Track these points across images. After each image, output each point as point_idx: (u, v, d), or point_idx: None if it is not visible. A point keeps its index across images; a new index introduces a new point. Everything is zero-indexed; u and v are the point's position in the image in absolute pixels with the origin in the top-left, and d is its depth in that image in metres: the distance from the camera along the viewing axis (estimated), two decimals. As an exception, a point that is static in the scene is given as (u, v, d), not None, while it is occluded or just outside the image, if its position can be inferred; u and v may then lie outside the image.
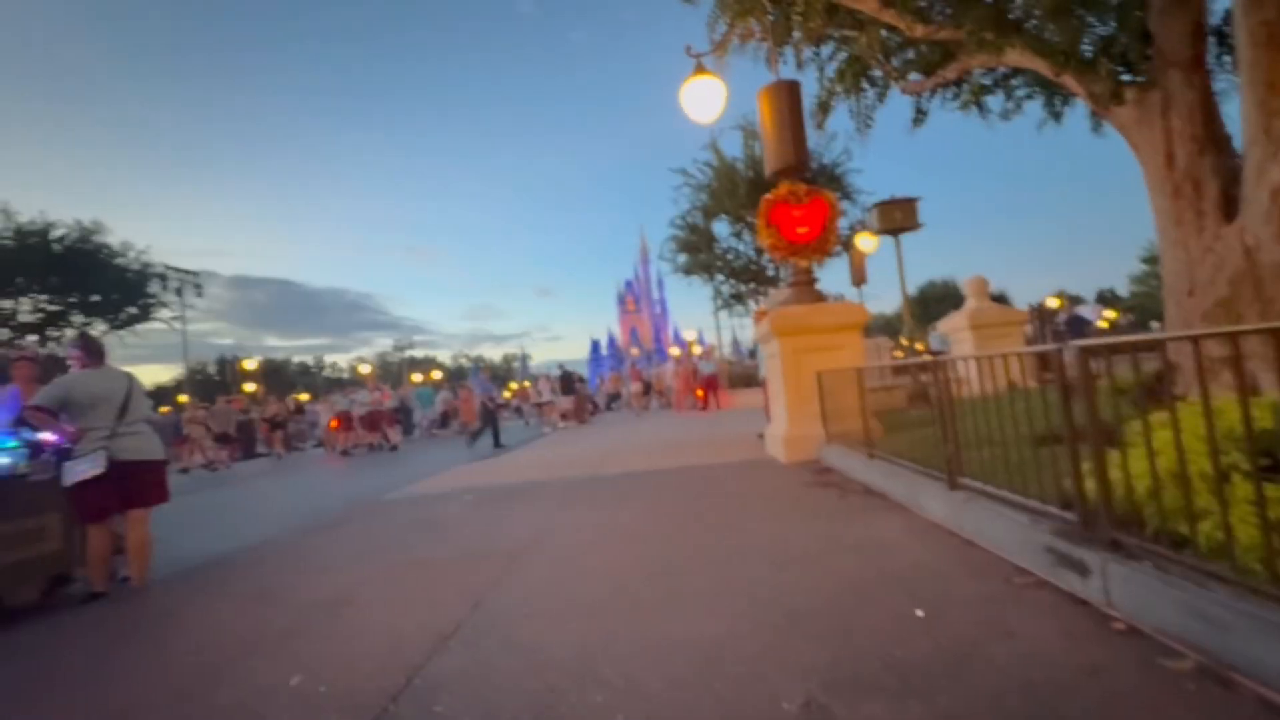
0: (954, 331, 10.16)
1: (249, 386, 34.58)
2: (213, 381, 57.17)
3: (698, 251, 18.80)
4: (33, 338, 21.73)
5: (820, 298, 6.32)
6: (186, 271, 25.11)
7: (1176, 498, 1.89)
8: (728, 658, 1.88)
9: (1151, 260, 44.00)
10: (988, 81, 8.28)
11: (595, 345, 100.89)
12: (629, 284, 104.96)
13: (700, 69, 6.58)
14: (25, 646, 2.92)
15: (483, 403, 13.11)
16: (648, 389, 29.87)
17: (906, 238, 11.25)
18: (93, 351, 3.99)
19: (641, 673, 1.85)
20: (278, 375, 64.41)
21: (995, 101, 8.68)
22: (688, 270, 19.37)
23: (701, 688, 1.72)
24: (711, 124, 8.66)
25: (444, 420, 20.64)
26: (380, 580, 3.24)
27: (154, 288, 24.25)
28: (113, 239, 23.07)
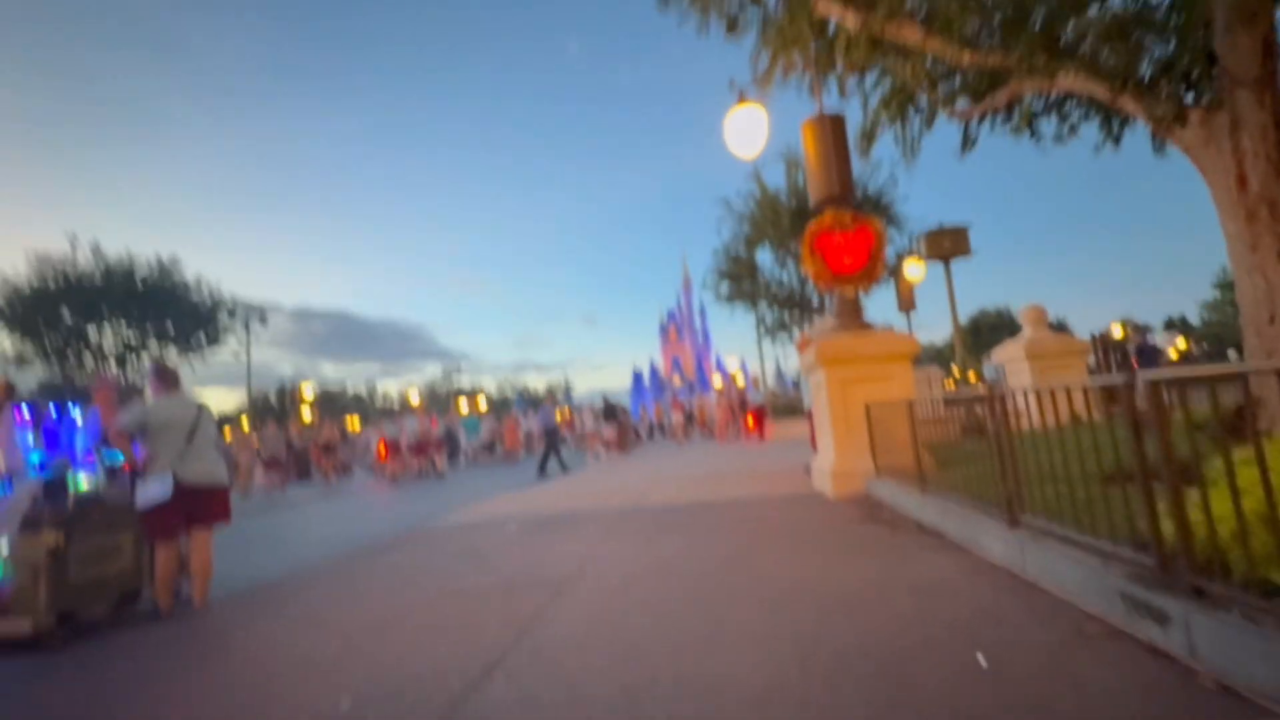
0: (1010, 362, 9.77)
1: (305, 413, 35.99)
2: (272, 408, 59.83)
3: (740, 280, 18.81)
4: (113, 366, 23.27)
5: (867, 327, 6.20)
6: (252, 305, 26.60)
7: (1266, 542, 1.75)
8: (776, 702, 1.82)
9: (1226, 286, 41.53)
10: (1040, 106, 8.11)
11: (638, 375, 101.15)
12: (671, 313, 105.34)
13: (743, 99, 6.67)
14: (95, 661, 3.06)
15: (546, 430, 13.40)
16: (689, 419, 29.69)
17: (957, 265, 11.02)
18: (168, 380, 4.25)
19: (687, 715, 1.81)
20: (333, 402, 66.87)
21: (1048, 125, 8.49)
22: (730, 298, 19.37)
23: (749, 731, 1.67)
24: (755, 157, 8.73)
25: (487, 448, 20.93)
26: (426, 607, 3.28)
27: (223, 318, 25.73)
28: (187, 272, 24.73)
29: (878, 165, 16.88)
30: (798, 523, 4.61)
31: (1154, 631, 1.94)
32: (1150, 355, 9.85)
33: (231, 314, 25.79)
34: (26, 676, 2.91)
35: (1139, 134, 8.76)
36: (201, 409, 4.19)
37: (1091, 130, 8.78)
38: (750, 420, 17.32)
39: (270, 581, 4.44)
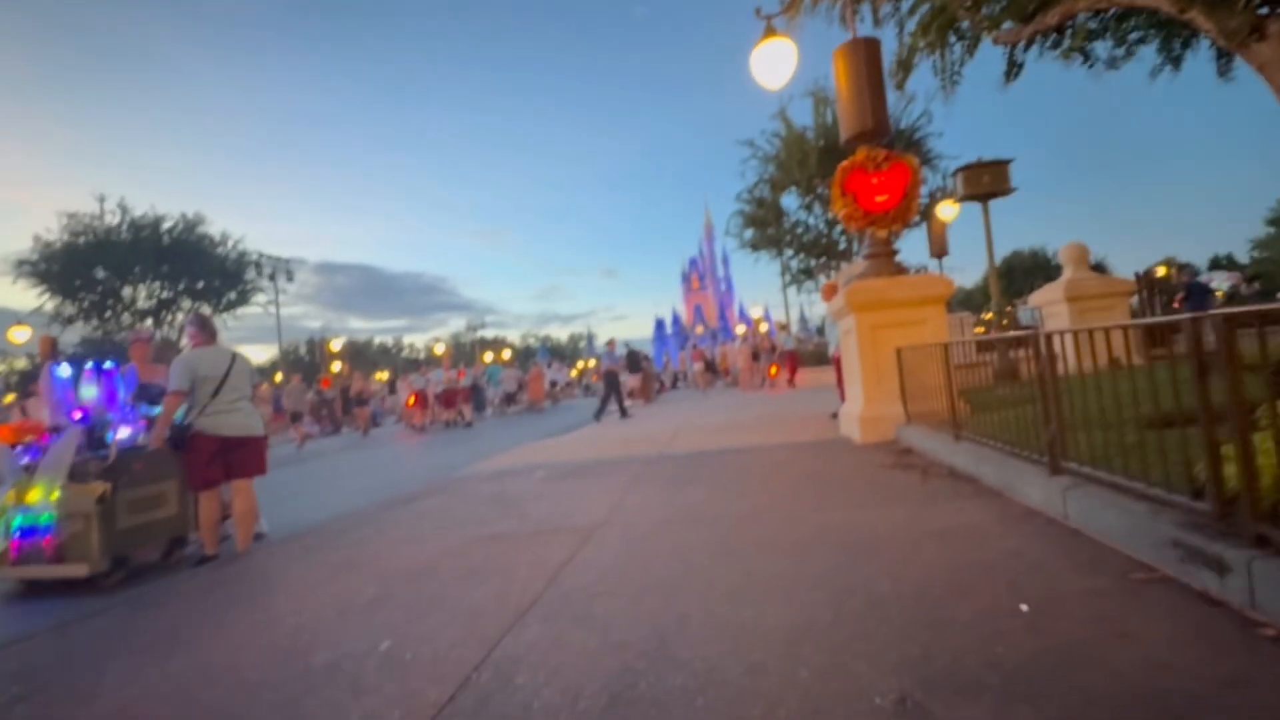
0: (1048, 305, 9.41)
1: (335, 366, 36.79)
2: (303, 361, 61.31)
3: (765, 226, 18.31)
4: (149, 322, 23.90)
5: (900, 270, 5.98)
6: (278, 258, 26.86)
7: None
8: (809, 646, 1.80)
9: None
10: (1095, 25, 7.50)
11: (660, 324, 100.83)
12: (693, 262, 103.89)
13: (770, 31, 6.27)
14: (147, 600, 3.20)
15: (609, 371, 13.43)
16: (710, 367, 29.64)
17: (993, 205, 10.47)
18: (207, 330, 4.30)
19: (719, 657, 1.80)
20: (361, 355, 68.23)
21: (1102, 48, 7.87)
22: (755, 246, 18.94)
23: (783, 676, 1.65)
24: (781, 90, 8.28)
25: (510, 398, 21.20)
26: (459, 553, 3.34)
27: (250, 274, 26.09)
28: (213, 229, 24.97)
29: (911, 99, 16.02)
30: (825, 469, 4.57)
31: (1209, 580, 1.86)
32: (1200, 295, 9.39)
33: (259, 269, 26.12)
34: (86, 614, 3.06)
35: (1201, 56, 8.08)
36: (235, 359, 4.22)
37: (1149, 53, 8.14)
38: (774, 369, 17.10)
39: (307, 528, 4.58)
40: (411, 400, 17.90)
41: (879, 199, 5.87)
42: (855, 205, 5.94)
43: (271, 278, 26.42)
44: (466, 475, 6.42)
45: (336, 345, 34.74)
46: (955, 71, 7.10)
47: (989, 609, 1.92)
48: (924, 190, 14.30)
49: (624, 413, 12.23)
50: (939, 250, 13.58)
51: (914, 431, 5.08)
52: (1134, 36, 7.70)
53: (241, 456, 4.06)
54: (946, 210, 13.06)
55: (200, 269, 24.25)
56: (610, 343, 15.12)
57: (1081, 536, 2.46)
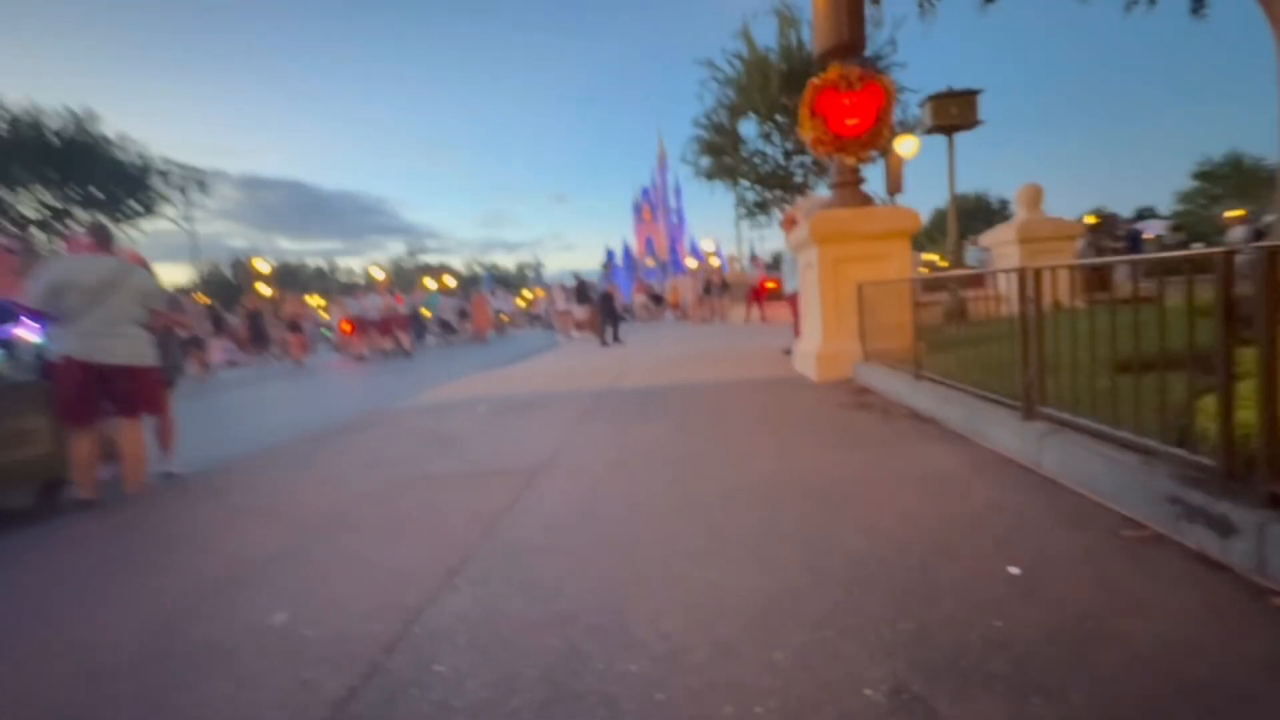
0: (999, 245, 9.41)
1: (263, 288, 34.40)
2: (229, 284, 57.23)
3: (722, 154, 17.61)
4: (36, 234, 21.36)
5: (867, 201, 5.68)
6: (190, 167, 24.22)
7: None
8: (786, 620, 1.56)
9: (1205, 176, 41.24)
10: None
11: (610, 255, 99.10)
12: (645, 192, 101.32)
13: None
14: (8, 555, 2.72)
15: (606, 294, 13.30)
16: (658, 300, 29.28)
17: (932, 149, 10.32)
18: (98, 237, 3.62)
19: (682, 634, 1.54)
20: (292, 278, 64.27)
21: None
22: (710, 175, 18.26)
23: (758, 660, 1.41)
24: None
25: (451, 326, 20.31)
26: (385, 497, 2.98)
27: (157, 184, 23.47)
28: (108, 130, 22.06)
29: (879, 25, 15.32)
30: (784, 408, 4.38)
31: (1207, 540, 1.72)
32: (1137, 242, 9.59)
33: (166, 178, 23.51)
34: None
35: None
36: (122, 272, 3.54)
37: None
38: (755, 297, 16.36)
39: (218, 464, 4.09)
40: (346, 327, 16.91)
41: (849, 122, 5.48)
42: (824, 128, 5.54)
43: (182, 189, 23.90)
44: (402, 408, 5.96)
45: (263, 265, 32.30)
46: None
47: (980, 572, 1.73)
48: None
49: (616, 338, 12.26)
50: (894, 187, 13.39)
51: (872, 370, 4.95)
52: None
53: (125, 390, 3.48)
54: (906, 145, 12.78)
55: (94, 174, 21.50)
56: (606, 265, 14.99)
57: (1060, 487, 2.32)
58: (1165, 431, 2.09)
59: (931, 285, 5.25)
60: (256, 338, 17.03)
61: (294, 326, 16.87)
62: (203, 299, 28.91)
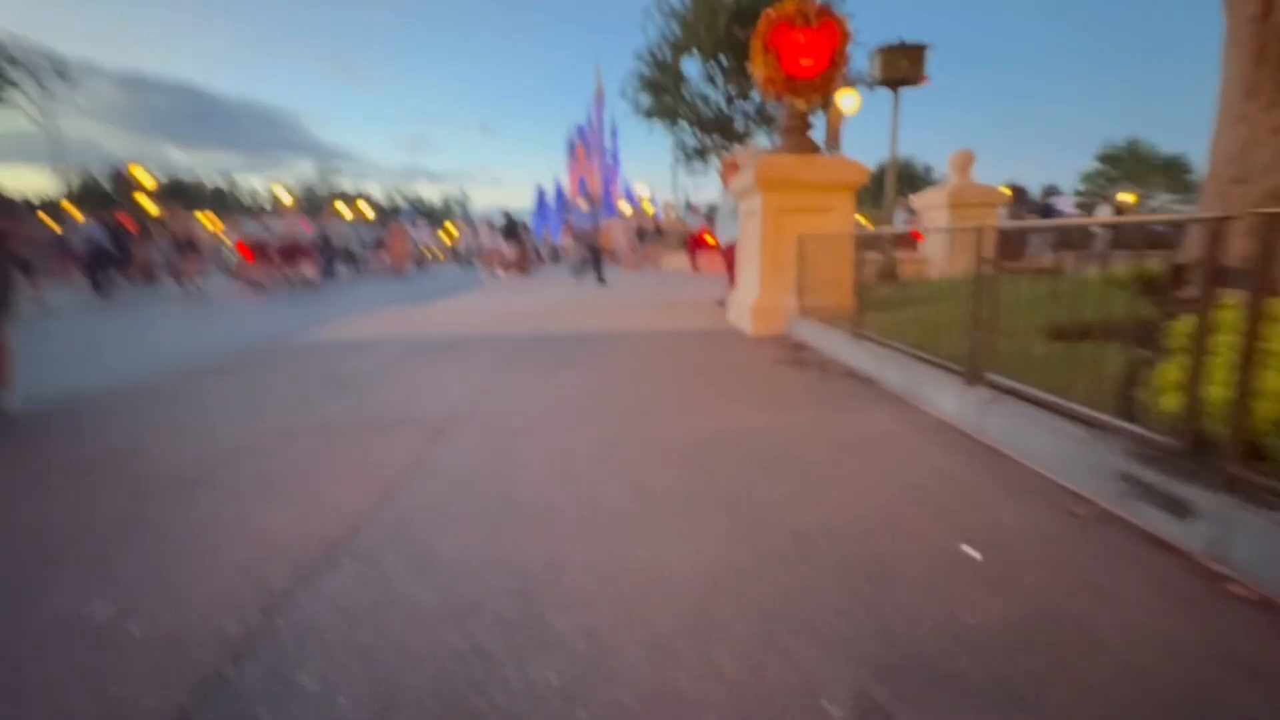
0: (929, 208, 9.55)
1: (146, 202, 30.63)
2: (107, 197, 50.68)
3: (664, 93, 16.86)
4: None
5: (815, 149, 5.45)
6: (47, 51, 20.68)
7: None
8: (729, 611, 1.35)
9: (1106, 158, 44.14)
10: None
11: (541, 193, 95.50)
12: (580, 130, 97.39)
13: None
14: None
15: (588, 234, 13.29)
16: (591, 246, 28.47)
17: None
18: None
19: (609, 629, 1.30)
20: (185, 195, 57.81)
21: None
22: (650, 113, 17.48)
23: (699, 663, 1.19)
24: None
25: (350, 258, 18.84)
26: (263, 450, 2.55)
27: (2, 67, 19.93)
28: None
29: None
30: (719, 361, 4.19)
31: (1158, 521, 1.65)
32: (1051, 215, 9.98)
33: (11, 61, 20.00)
34: None
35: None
36: None
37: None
38: (697, 246, 15.75)
39: (63, 404, 3.45)
40: (244, 253, 15.30)
41: (804, 62, 5.16)
42: (777, 66, 5.20)
43: (37, 78, 20.44)
44: (298, 345, 5.35)
45: (142, 173, 28.61)
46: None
47: (936, 552, 1.58)
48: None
49: (601, 279, 11.97)
50: (833, 142, 13.29)
51: (808, 326, 4.83)
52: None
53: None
54: (848, 100, 12.63)
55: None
56: (595, 199, 14.62)
57: (1005, 458, 2.23)
58: (1114, 404, 2.02)
59: (871, 243, 5.15)
60: (136, 259, 15.11)
61: (185, 246, 14.89)
62: (73, 211, 25.51)
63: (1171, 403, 1.86)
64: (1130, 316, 2.55)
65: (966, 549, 1.59)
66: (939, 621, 1.30)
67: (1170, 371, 1.86)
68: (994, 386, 2.56)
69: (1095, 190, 44.29)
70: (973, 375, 2.67)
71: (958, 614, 1.32)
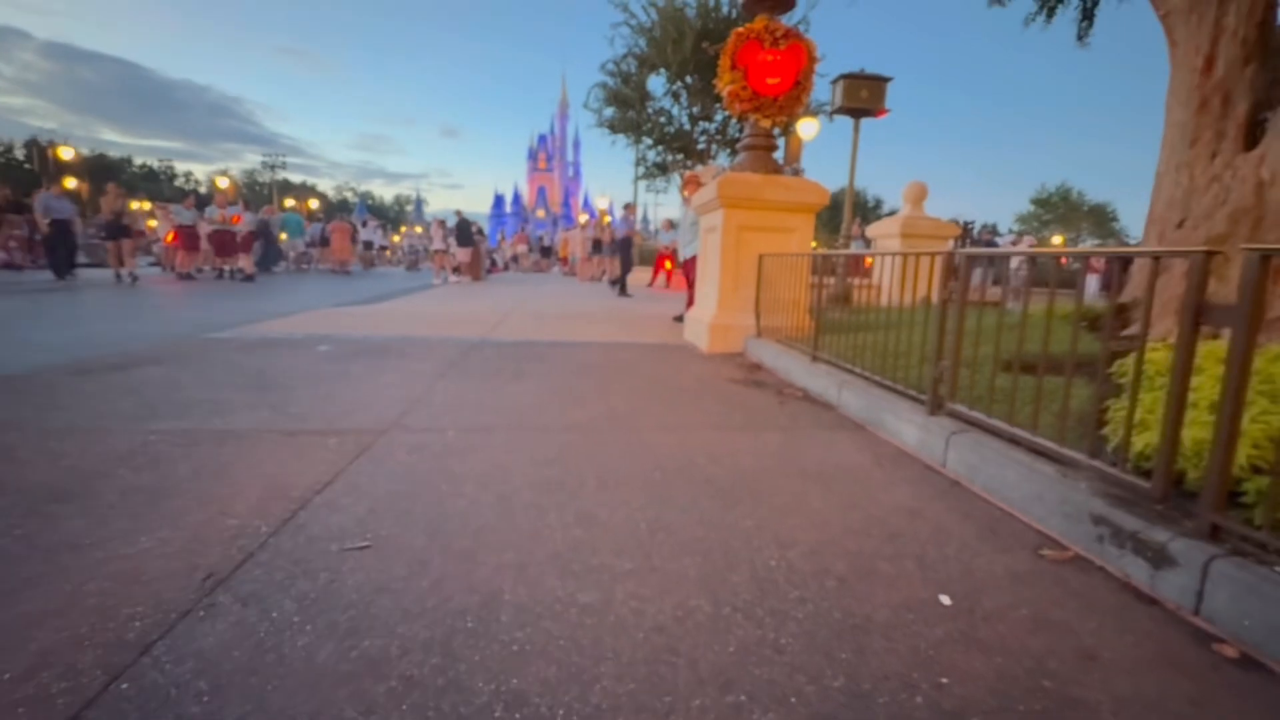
0: (882, 237, 9.77)
1: (69, 182, 28.47)
2: (22, 169, 46.99)
3: (628, 107, 16.87)
4: None
5: (778, 168, 5.41)
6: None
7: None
8: (684, 673, 1.16)
9: (1040, 203, 46.95)
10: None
11: (499, 199, 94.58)
12: (543, 139, 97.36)
13: None
14: None
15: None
16: (547, 252, 28.16)
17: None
18: None
19: (541, 695, 1.09)
20: (111, 175, 54.27)
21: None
22: (613, 127, 17.46)
23: (648, 742, 0.99)
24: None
25: (305, 254, 18.06)
26: (153, 458, 2.21)
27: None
28: None
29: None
30: (673, 378, 4.03)
31: (1138, 570, 1.56)
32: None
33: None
34: None
35: (1068, 16, 8.27)
36: None
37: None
38: (667, 269, 15.36)
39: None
40: (171, 238, 14.32)
41: (770, 80, 5.13)
42: (744, 82, 5.15)
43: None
44: (220, 339, 4.90)
45: (66, 152, 26.60)
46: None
47: (909, 601, 1.44)
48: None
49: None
50: (791, 167, 13.54)
51: (764, 347, 4.74)
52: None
53: None
54: (807, 127, 12.90)
55: None
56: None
57: (970, 493, 2.14)
58: (1080, 440, 1.95)
59: (829, 266, 5.13)
60: (43, 239, 13.74)
61: (118, 230, 13.24)
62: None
63: (1142, 442, 1.79)
64: (1085, 352, 2.54)
65: (944, 599, 1.45)
66: (920, 688, 1.14)
67: (1141, 409, 1.79)
68: (957, 416, 2.48)
69: (1028, 230, 46.96)
70: (935, 404, 2.59)
71: (946, 681, 1.17)
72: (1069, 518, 1.78)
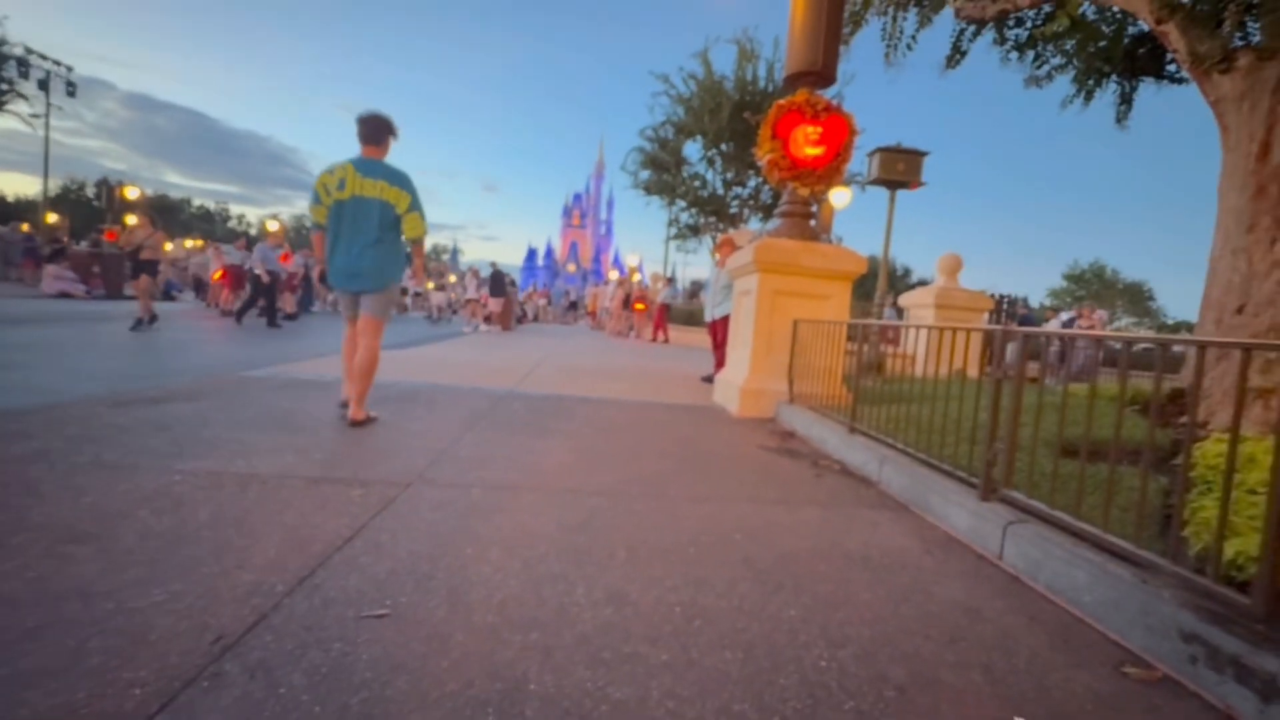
0: (916, 308, 9.68)
1: (131, 219, 30.12)
2: (90, 205, 49.97)
3: (664, 171, 17.39)
4: None
5: (815, 235, 5.42)
6: (55, 61, 20.72)
7: None
8: (731, 796, 1.02)
9: (1073, 278, 46.53)
10: (1026, 36, 7.41)
11: (532, 253, 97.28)
12: (578, 197, 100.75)
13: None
14: None
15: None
16: (574, 306, 28.63)
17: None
18: None
19: (570, 815, 0.95)
20: (171, 215, 57.40)
21: (1027, 63, 7.85)
22: (648, 189, 17.96)
23: None
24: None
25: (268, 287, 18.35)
26: (174, 501, 2.16)
27: (9, 73, 19.87)
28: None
29: (844, 72, 15.72)
30: (703, 442, 3.91)
31: (1241, 700, 1.37)
32: (1033, 325, 10.16)
33: (24, 68, 19.98)
34: None
35: (1106, 100, 8.34)
36: None
37: (1064, 84, 8.23)
38: (641, 311, 16.32)
39: (-45, 420, 3.01)
40: (219, 275, 14.87)
41: (810, 151, 5.21)
42: (783, 152, 5.23)
43: (43, 85, 20.39)
44: (254, 377, 4.95)
45: (132, 193, 28.24)
46: (909, 39, 6.61)
47: (969, 708, 1.27)
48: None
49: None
50: (822, 235, 13.67)
51: (797, 414, 4.61)
52: (1055, 61, 7.76)
53: None
54: (840, 196, 13.08)
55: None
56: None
57: (1033, 592, 1.96)
58: (1159, 541, 1.78)
59: (865, 335, 5.04)
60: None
61: (142, 264, 12.97)
62: (49, 217, 24.97)
63: (1233, 549, 1.62)
64: (1148, 440, 2.38)
65: None
66: (1005, 837, 0.98)
67: (1237, 512, 1.64)
68: (1013, 504, 2.32)
69: (1062, 307, 46.33)
70: (988, 488, 2.43)
71: (1027, 826, 1.00)
72: (1153, 631, 1.60)
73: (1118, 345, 2.12)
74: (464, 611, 1.56)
